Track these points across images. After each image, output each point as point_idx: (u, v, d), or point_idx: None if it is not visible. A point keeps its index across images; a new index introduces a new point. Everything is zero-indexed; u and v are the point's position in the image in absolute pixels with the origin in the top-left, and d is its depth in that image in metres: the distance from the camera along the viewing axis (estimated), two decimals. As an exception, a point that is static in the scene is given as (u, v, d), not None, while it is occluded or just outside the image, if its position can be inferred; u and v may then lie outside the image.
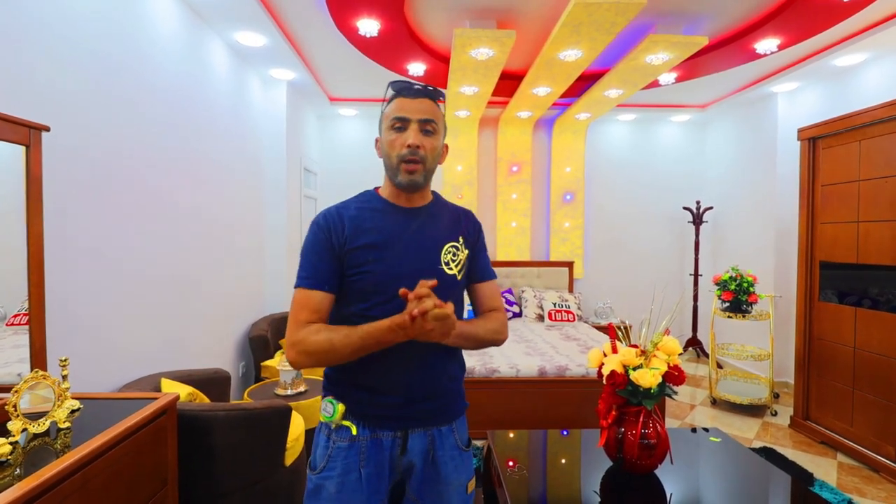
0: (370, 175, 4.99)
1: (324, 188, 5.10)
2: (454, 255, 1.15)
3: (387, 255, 1.07)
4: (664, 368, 1.60)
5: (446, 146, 1.19)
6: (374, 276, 1.06)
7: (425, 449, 1.12)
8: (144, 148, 2.27)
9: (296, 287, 1.07)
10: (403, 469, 1.12)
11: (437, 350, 1.11)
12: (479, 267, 1.24)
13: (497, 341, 1.19)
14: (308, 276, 1.06)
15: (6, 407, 1.24)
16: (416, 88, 1.10)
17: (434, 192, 1.22)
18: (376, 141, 1.16)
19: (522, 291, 5.00)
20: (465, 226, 1.21)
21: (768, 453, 2.94)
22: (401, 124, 1.08)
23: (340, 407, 1.08)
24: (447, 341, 1.02)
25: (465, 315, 1.23)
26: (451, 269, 1.13)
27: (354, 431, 1.08)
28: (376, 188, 1.19)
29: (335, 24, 3.00)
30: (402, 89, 1.11)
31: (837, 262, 3.04)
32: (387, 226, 1.10)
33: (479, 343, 1.16)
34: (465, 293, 1.26)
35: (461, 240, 1.17)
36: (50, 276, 1.63)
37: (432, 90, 1.12)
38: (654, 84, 4.14)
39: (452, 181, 5.14)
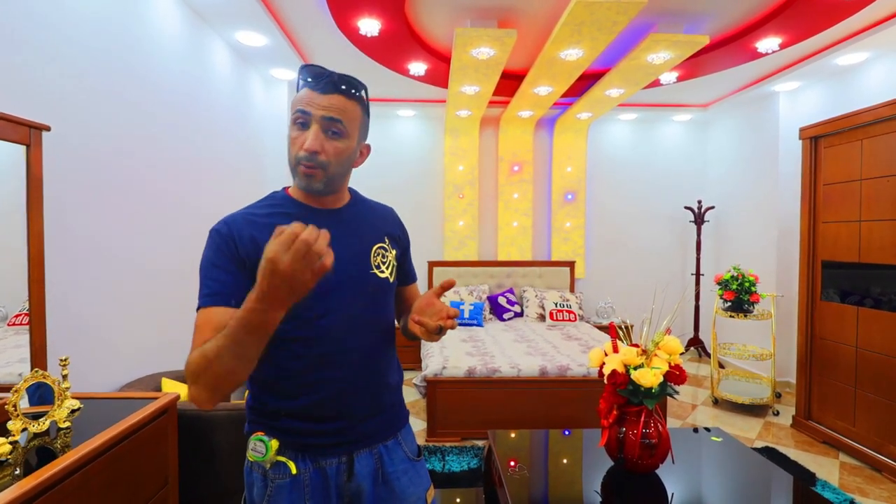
0: (372, 173, 5.00)
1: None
2: (384, 256, 1.04)
3: None
4: (665, 368, 1.60)
5: (367, 146, 1.04)
6: None
7: (373, 469, 1.01)
8: (145, 147, 2.28)
9: (197, 309, 0.89)
10: (351, 495, 1.00)
11: (374, 359, 1.02)
12: (408, 268, 1.17)
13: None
14: (211, 293, 0.88)
15: (6, 406, 1.24)
16: (326, 81, 0.92)
17: (352, 190, 1.10)
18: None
19: (524, 291, 5.00)
20: (391, 224, 1.12)
21: (770, 453, 2.93)
22: (303, 119, 0.93)
23: (273, 443, 0.94)
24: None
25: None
26: (382, 272, 1.03)
27: (294, 470, 0.95)
28: (286, 188, 1.05)
29: (336, 24, 3.00)
30: (312, 77, 0.93)
31: (839, 261, 3.03)
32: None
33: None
34: None
35: (387, 240, 1.08)
36: (50, 275, 1.63)
37: (348, 85, 0.94)
38: (656, 83, 4.13)
39: (454, 181, 5.14)
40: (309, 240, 0.68)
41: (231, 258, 0.91)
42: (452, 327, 0.93)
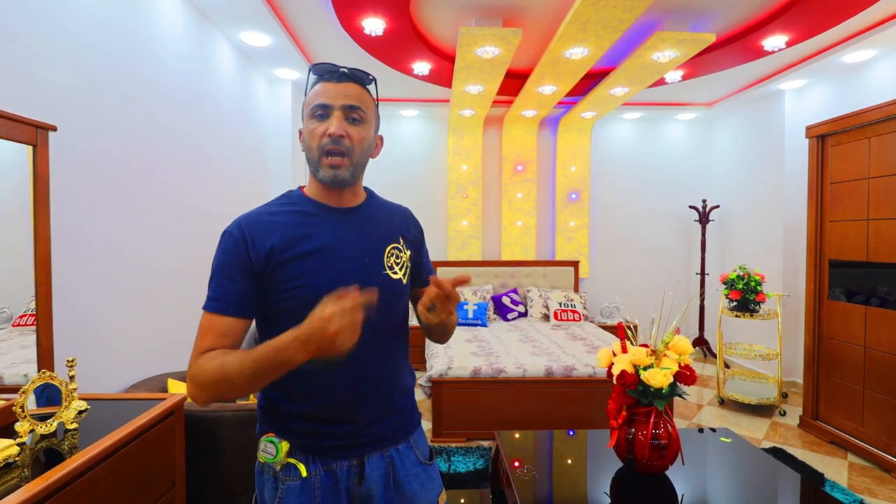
0: (375, 173, 4.97)
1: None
2: (397, 257, 1.03)
3: (324, 265, 0.93)
4: (675, 368, 1.58)
5: (380, 138, 1.06)
6: (310, 290, 0.90)
7: (385, 473, 1.00)
8: (151, 148, 2.27)
9: (203, 309, 0.92)
10: (362, 498, 0.98)
11: (387, 362, 1.01)
12: (425, 269, 1.15)
13: (450, 334, 1.13)
14: (215, 298, 0.91)
15: (14, 408, 1.23)
16: (341, 72, 0.96)
17: (368, 189, 1.09)
18: (300, 133, 1.00)
19: (528, 291, 4.98)
20: (405, 225, 1.11)
21: (778, 453, 2.91)
22: (322, 111, 0.94)
23: (284, 445, 0.94)
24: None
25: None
26: (395, 273, 1.01)
27: (305, 473, 0.94)
28: (301, 187, 1.04)
29: (340, 24, 2.99)
30: (325, 73, 0.97)
31: (847, 260, 3.01)
32: (320, 231, 0.96)
33: (443, 328, 1.06)
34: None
35: (402, 240, 1.06)
36: (56, 276, 1.62)
37: (360, 73, 0.98)
38: (661, 82, 4.11)
39: (457, 180, 5.13)
40: (361, 308, 0.78)
41: (238, 265, 0.92)
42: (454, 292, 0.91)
